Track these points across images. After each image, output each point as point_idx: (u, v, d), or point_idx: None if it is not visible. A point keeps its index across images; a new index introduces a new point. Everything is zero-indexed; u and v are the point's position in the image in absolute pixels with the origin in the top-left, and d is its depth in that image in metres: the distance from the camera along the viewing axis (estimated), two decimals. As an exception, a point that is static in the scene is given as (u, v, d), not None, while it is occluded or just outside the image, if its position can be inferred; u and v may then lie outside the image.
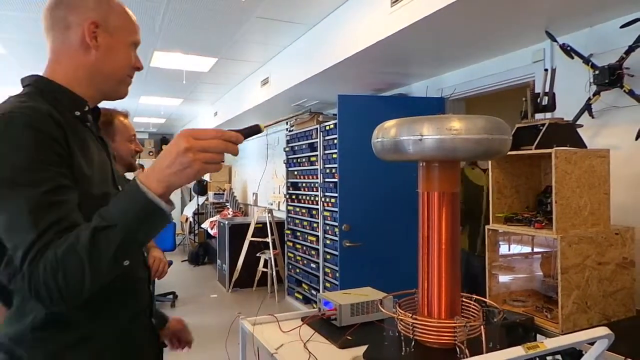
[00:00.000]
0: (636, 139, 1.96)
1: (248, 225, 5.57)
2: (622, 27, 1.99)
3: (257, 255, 5.44)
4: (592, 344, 0.99)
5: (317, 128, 4.15)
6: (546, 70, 1.95)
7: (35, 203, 0.79)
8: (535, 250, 1.93)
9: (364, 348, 1.27)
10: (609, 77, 1.99)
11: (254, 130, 0.91)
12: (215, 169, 0.81)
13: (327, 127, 3.93)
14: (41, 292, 0.77)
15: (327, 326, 1.52)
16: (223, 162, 0.85)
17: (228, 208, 7.93)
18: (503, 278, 1.89)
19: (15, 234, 0.79)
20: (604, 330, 0.91)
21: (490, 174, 1.84)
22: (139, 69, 1.06)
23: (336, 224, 3.49)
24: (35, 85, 0.94)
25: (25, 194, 0.79)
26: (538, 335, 1.61)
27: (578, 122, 2.07)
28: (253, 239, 5.45)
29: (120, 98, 1.06)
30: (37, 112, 0.84)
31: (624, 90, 1.99)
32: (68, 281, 0.76)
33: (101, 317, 0.95)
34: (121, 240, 0.77)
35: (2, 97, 0.92)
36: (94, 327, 0.94)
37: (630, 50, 1.96)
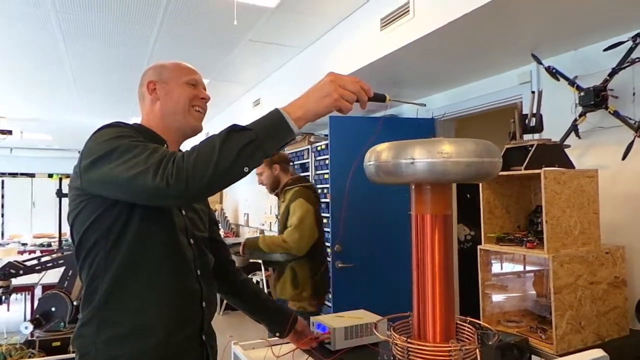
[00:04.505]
0: (623, 158, 1.99)
1: (239, 245, 5.51)
2: (605, 50, 2.05)
3: (249, 276, 5.38)
4: (587, 366, 0.99)
5: (308, 148, 4.17)
6: (533, 92, 1.99)
7: (136, 142, 1.01)
8: (528, 268, 1.94)
9: (358, 373, 1.25)
10: (594, 99, 2.03)
11: (380, 97, 1.12)
12: (347, 107, 1.02)
13: (319, 148, 3.94)
14: (167, 170, 0.91)
15: (321, 350, 1.50)
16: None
17: (219, 228, 7.86)
18: (496, 298, 1.88)
19: (135, 162, 0.95)
20: (598, 353, 0.91)
21: (481, 194, 1.85)
22: (204, 99, 1.29)
23: (328, 244, 3.47)
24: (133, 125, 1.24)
25: (127, 142, 1.01)
26: (533, 356, 1.60)
27: (565, 143, 2.10)
28: (244, 259, 5.39)
29: (194, 130, 1.29)
30: (126, 123, 1.15)
31: (609, 112, 2.03)
32: (197, 160, 0.91)
33: (148, 314, 1.10)
34: (250, 140, 0.93)
35: None
36: (142, 323, 1.09)
37: (613, 72, 2.01)
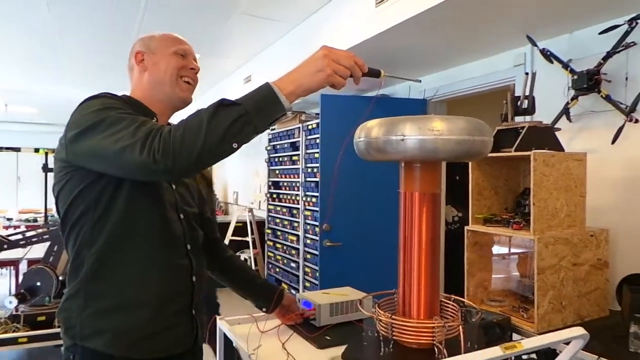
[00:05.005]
0: (612, 142, 2.00)
1: (228, 224, 5.51)
2: (600, 33, 2.04)
3: (237, 254, 5.40)
4: (567, 343, 1.00)
5: (299, 127, 4.13)
6: (527, 74, 1.98)
7: (124, 115, 0.98)
8: (513, 250, 1.96)
9: (342, 348, 1.27)
10: (587, 82, 2.03)
11: (374, 73, 1.08)
12: (340, 82, 0.99)
13: (310, 127, 3.91)
14: (154, 145, 0.89)
15: (306, 326, 1.51)
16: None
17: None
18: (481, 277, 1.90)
19: (122, 135, 0.93)
20: (579, 331, 0.92)
21: (470, 175, 1.85)
22: (193, 69, 1.25)
23: (317, 223, 3.48)
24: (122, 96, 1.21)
25: (114, 114, 0.98)
26: (514, 335, 1.63)
27: (556, 126, 2.11)
28: (233, 237, 5.40)
29: (183, 102, 1.25)
30: (114, 94, 1.12)
31: (601, 96, 2.03)
32: (184, 135, 0.89)
33: (136, 288, 1.09)
34: (239, 115, 0.90)
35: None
36: (129, 297, 1.08)
37: (607, 56, 2.00)
